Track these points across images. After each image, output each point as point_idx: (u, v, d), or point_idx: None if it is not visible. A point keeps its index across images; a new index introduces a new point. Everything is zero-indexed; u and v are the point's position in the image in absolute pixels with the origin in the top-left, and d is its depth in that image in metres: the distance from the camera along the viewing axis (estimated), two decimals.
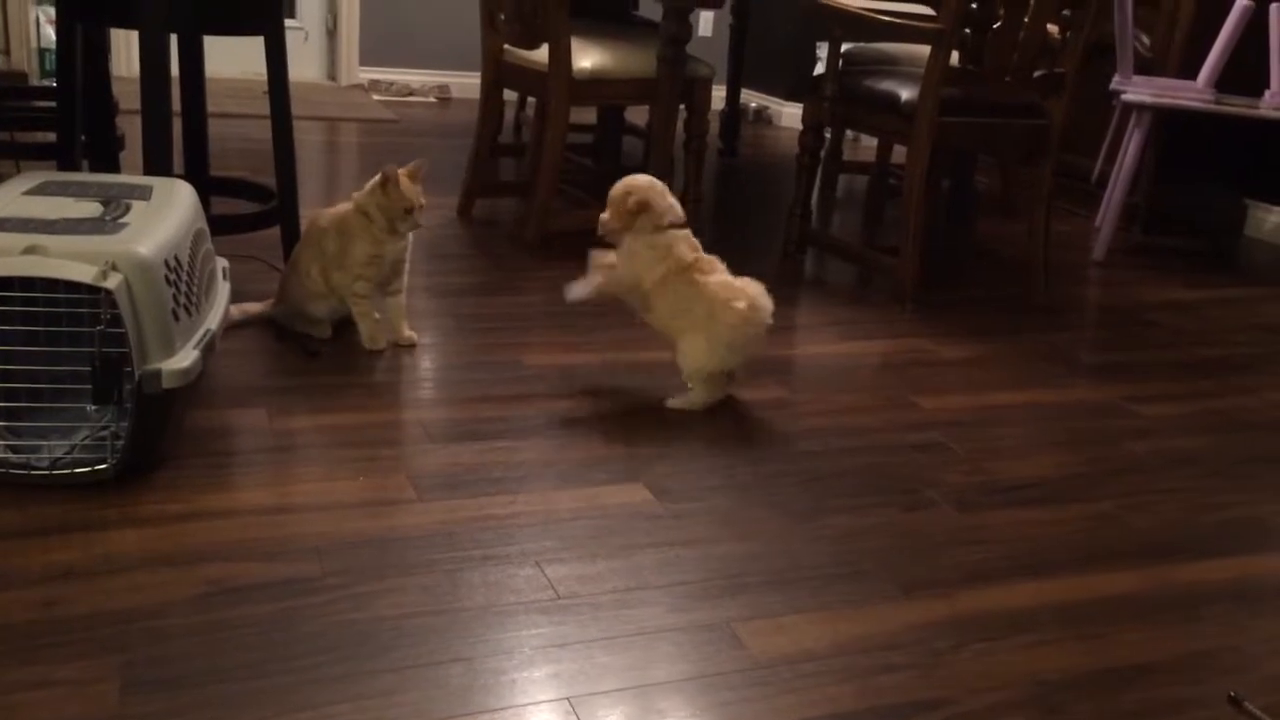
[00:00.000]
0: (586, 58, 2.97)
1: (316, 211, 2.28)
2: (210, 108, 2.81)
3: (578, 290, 2.16)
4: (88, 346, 1.56)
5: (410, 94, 5.51)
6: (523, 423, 1.99)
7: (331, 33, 5.54)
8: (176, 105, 2.48)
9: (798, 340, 2.59)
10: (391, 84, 5.51)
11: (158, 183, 1.93)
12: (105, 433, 1.63)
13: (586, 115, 4.07)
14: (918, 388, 2.33)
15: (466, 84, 5.55)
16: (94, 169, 2.72)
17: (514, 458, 1.85)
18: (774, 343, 2.52)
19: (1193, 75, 3.61)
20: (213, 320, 1.82)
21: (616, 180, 2.13)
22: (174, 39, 2.46)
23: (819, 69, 3.62)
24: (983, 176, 4.46)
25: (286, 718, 1.20)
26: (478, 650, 1.35)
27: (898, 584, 1.59)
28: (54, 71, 4.08)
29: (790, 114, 5.57)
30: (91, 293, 1.54)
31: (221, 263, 2.04)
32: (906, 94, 2.84)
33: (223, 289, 1.98)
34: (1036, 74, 2.87)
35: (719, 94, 4.74)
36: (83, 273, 1.53)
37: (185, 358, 1.65)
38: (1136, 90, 3.53)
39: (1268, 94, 3.55)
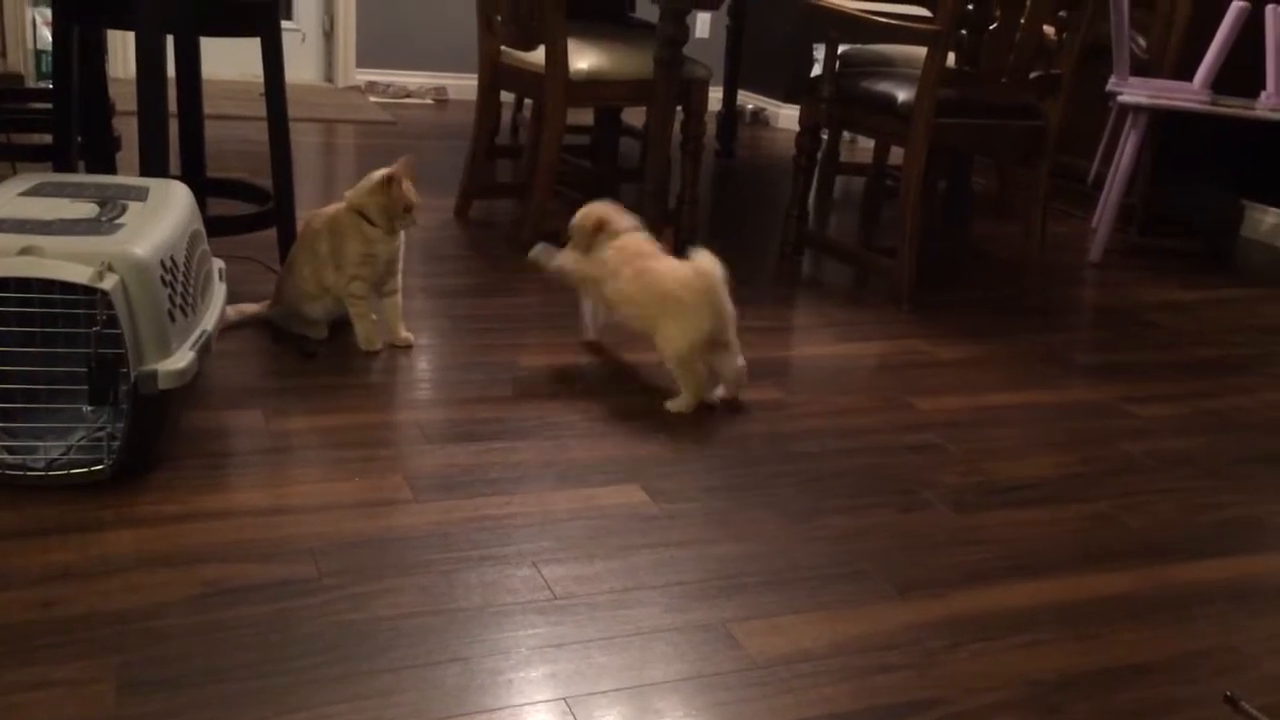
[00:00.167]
0: (583, 59, 2.97)
1: (311, 213, 2.28)
2: (207, 109, 2.81)
3: (547, 256, 2.28)
4: (84, 347, 1.56)
5: (407, 96, 5.50)
6: (519, 423, 1.99)
7: (328, 34, 5.54)
8: (173, 106, 2.48)
9: (794, 341, 2.59)
10: (388, 86, 5.51)
11: (154, 184, 1.92)
12: (101, 434, 1.63)
13: (583, 117, 4.06)
14: (914, 388, 2.34)
15: (463, 86, 5.54)
16: (90, 170, 2.71)
17: (510, 458, 1.85)
18: (771, 344, 2.52)
19: (1189, 76, 3.62)
20: (209, 321, 1.82)
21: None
22: (170, 40, 2.45)
23: (816, 70, 3.63)
24: (979, 178, 4.47)
25: (284, 718, 1.20)
26: (474, 650, 1.35)
27: (894, 584, 1.59)
28: (50, 73, 4.07)
29: (787, 115, 5.57)
30: (88, 293, 1.54)
31: (218, 264, 2.04)
32: (903, 95, 2.84)
33: (219, 290, 1.98)
34: (1033, 75, 2.87)
35: (716, 95, 4.75)
36: (79, 274, 1.53)
37: (181, 359, 1.65)
38: (1133, 91, 3.53)
39: (1264, 95, 3.55)
